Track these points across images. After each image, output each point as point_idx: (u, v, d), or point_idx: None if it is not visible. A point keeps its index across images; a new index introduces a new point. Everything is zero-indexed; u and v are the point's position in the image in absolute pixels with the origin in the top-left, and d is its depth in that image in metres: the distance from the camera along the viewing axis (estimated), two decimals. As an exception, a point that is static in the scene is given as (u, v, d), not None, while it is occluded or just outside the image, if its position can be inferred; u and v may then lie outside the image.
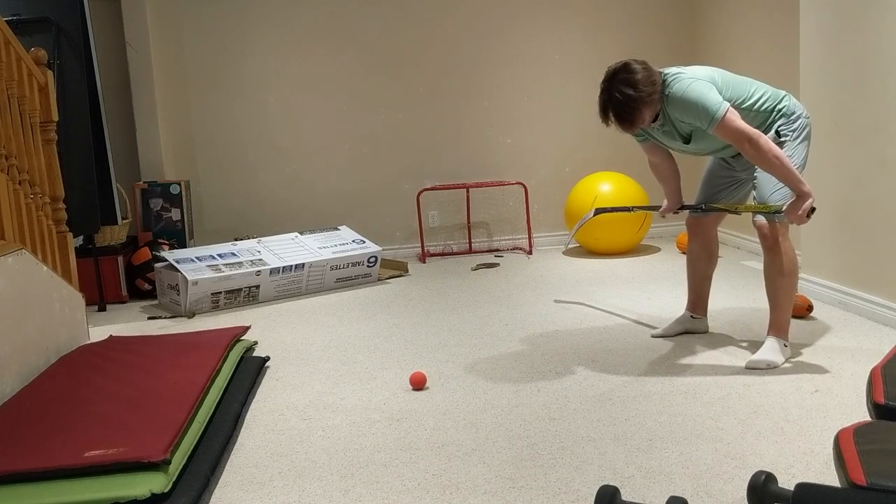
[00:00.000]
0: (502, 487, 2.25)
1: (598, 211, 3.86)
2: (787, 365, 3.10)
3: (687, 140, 3.15)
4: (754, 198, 3.17)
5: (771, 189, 3.05)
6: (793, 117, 3.10)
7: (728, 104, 2.92)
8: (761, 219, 3.07)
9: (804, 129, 3.12)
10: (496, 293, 4.62)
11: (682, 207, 3.48)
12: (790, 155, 2.99)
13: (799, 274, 3.22)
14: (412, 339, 3.76)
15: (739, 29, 5.21)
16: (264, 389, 3.18)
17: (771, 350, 3.13)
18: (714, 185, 3.39)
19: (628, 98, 2.93)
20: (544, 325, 3.87)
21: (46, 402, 2.88)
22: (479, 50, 5.81)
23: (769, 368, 3.07)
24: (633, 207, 3.91)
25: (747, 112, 3.05)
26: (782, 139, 3.07)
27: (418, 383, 3.08)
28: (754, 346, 3.33)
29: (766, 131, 3.04)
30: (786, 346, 3.15)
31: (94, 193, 4.46)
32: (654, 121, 3.10)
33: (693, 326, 3.57)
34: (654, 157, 3.42)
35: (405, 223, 5.89)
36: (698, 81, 2.96)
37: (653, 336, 3.57)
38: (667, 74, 3.03)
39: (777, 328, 3.16)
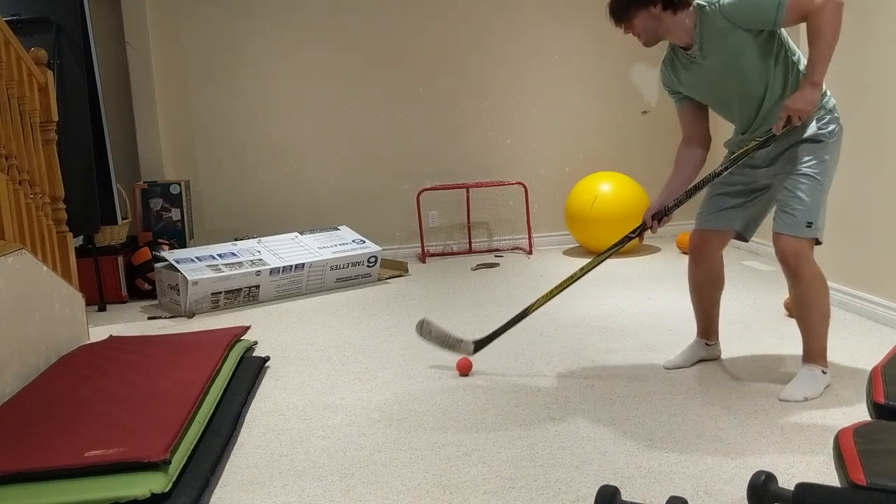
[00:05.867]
0: (502, 487, 2.25)
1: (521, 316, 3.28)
2: (787, 365, 3.09)
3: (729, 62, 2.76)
4: (778, 205, 2.79)
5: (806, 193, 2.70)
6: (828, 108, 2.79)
7: None
8: (783, 240, 2.71)
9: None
10: (496, 293, 4.62)
11: (664, 212, 2.93)
12: (827, 169, 2.75)
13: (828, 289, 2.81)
14: (412, 339, 3.75)
15: (739, 29, 5.20)
16: (264, 389, 3.18)
17: (806, 380, 2.80)
18: (726, 208, 2.97)
19: None
20: (544, 325, 3.87)
21: (46, 402, 2.88)
22: (479, 49, 5.81)
23: (806, 401, 2.75)
24: (603, 255, 3.12)
25: (795, 69, 2.77)
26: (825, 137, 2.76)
27: (464, 369, 3.24)
28: (754, 346, 3.34)
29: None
30: (824, 373, 2.82)
31: (94, 193, 4.46)
32: (686, 49, 2.81)
33: (707, 354, 3.21)
34: (693, 129, 2.96)
35: (405, 223, 5.89)
36: None
37: (666, 367, 3.17)
38: None
39: (811, 356, 2.83)
